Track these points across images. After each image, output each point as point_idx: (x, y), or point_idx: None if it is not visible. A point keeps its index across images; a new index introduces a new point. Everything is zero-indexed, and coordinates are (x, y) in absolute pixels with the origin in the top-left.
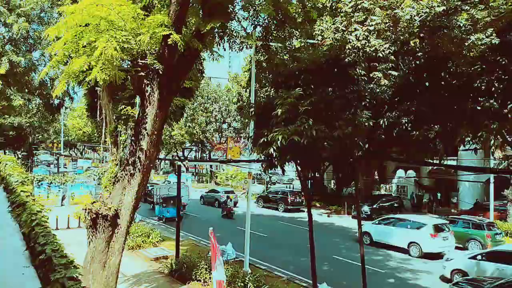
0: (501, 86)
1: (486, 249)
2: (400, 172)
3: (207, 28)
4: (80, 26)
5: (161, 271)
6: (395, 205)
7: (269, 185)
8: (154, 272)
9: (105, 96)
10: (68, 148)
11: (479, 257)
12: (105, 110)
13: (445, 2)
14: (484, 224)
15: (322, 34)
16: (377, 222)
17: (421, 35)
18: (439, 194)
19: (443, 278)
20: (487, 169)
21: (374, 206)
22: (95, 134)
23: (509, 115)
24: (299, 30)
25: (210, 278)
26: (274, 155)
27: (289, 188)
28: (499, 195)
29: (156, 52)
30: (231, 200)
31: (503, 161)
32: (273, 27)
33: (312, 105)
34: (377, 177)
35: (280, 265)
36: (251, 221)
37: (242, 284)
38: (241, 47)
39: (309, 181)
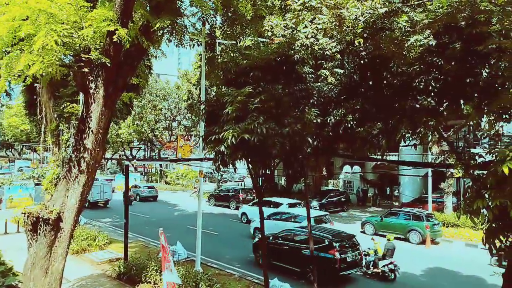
0: (438, 85)
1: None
2: (347, 168)
3: (156, 26)
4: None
5: (109, 274)
6: (342, 199)
7: (220, 183)
8: (101, 276)
9: (45, 93)
10: (5, 148)
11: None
12: (45, 107)
13: (387, 4)
14: (423, 216)
15: (272, 30)
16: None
17: (365, 35)
18: (388, 189)
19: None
20: (425, 163)
21: (323, 201)
22: (34, 133)
23: (445, 113)
24: (249, 27)
25: (160, 279)
26: (225, 153)
27: (241, 185)
28: (437, 188)
29: (101, 47)
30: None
31: (440, 156)
32: (223, 24)
33: (262, 102)
34: (325, 173)
35: (232, 263)
36: (202, 219)
37: (194, 284)
38: (191, 44)
39: (260, 178)
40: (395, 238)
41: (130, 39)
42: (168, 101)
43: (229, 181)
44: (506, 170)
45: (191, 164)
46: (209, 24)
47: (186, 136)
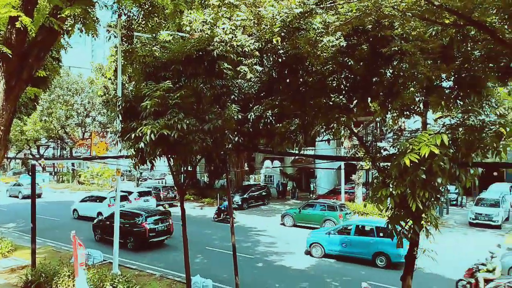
0: (348, 84)
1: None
2: (267, 163)
3: (65, 14)
4: None
5: (14, 283)
6: (263, 193)
7: (140, 182)
8: (5, 286)
9: None
10: None
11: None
12: None
13: (302, 4)
14: (337, 206)
15: (191, 25)
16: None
17: (282, 34)
18: (306, 182)
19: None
20: (338, 157)
21: (245, 196)
22: None
23: (355, 110)
24: (168, 21)
25: (73, 285)
26: (144, 150)
27: (162, 183)
28: (349, 180)
29: (2, 36)
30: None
31: (351, 150)
32: (139, 16)
33: (183, 98)
34: (246, 168)
35: (152, 262)
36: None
37: (111, 287)
38: (107, 36)
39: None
40: (312, 228)
41: (34, 28)
42: (81, 96)
43: (149, 179)
44: (407, 162)
45: (107, 163)
46: (125, 15)
47: (102, 133)
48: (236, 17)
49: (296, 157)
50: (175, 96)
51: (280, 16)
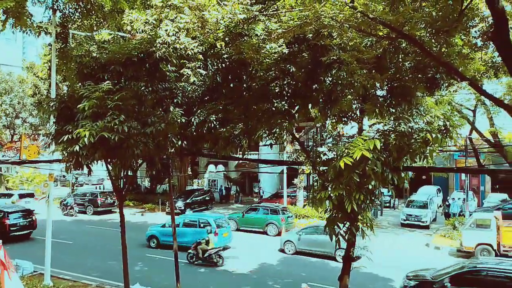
0: (290, 90)
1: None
2: (211, 167)
3: None
4: None
5: None
6: (207, 198)
7: (75, 187)
8: None
9: None
10: None
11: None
12: None
13: (246, 11)
14: (279, 209)
15: (132, 25)
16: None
17: (226, 39)
18: (257, 188)
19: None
20: (281, 161)
21: (188, 201)
22: None
23: (296, 115)
24: (107, 20)
25: None
26: (80, 154)
27: (100, 188)
28: (291, 184)
29: None
30: None
31: (293, 154)
32: (74, 14)
33: (124, 100)
34: (190, 172)
35: (89, 272)
36: (53, 228)
37: None
38: (37, 31)
39: (122, 179)
40: (255, 231)
41: None
42: (10, 96)
43: (86, 184)
44: (342, 164)
45: (38, 167)
46: (60, 12)
47: (33, 136)
48: (179, 19)
49: (240, 162)
50: (115, 98)
51: (224, 21)
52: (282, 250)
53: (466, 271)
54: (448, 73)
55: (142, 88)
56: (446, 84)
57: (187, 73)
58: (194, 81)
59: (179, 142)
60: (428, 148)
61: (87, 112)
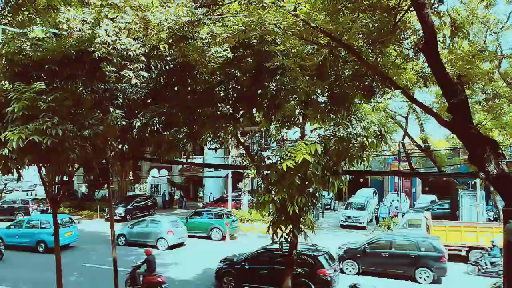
0: (235, 94)
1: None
2: (154, 171)
3: None
4: None
5: None
6: (149, 204)
7: (3, 194)
8: None
9: None
10: None
11: None
12: None
13: (190, 13)
14: (224, 214)
15: (68, 23)
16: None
17: (170, 41)
18: (202, 192)
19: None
20: (226, 165)
21: (129, 207)
22: None
23: (241, 120)
24: (40, 16)
25: None
26: (9, 158)
27: (32, 195)
28: (236, 188)
29: None
30: None
31: (237, 158)
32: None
33: (58, 101)
34: (131, 177)
35: (17, 285)
36: None
37: None
38: None
39: (56, 185)
40: (199, 237)
41: None
42: None
43: (16, 190)
44: (284, 167)
45: None
46: None
47: None
48: (120, 19)
49: (184, 166)
50: (49, 99)
51: (168, 23)
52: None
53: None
54: (383, 81)
55: (80, 89)
56: (382, 92)
57: (129, 75)
58: (136, 83)
59: (120, 146)
60: (364, 152)
61: (16, 114)
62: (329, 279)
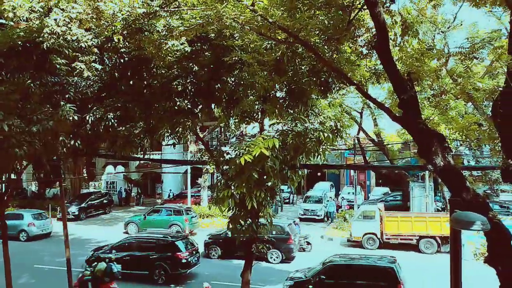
0: (193, 89)
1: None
2: (110, 168)
3: None
4: None
5: None
6: (105, 201)
7: None
8: None
9: None
10: None
11: None
12: None
13: (146, 5)
14: (183, 210)
15: (14, 11)
16: None
17: (125, 33)
18: (152, 187)
19: None
20: (185, 161)
21: (83, 205)
22: None
23: (200, 115)
24: None
25: None
26: None
27: None
28: (195, 183)
29: None
30: None
31: (196, 154)
32: None
33: (3, 95)
34: (85, 174)
35: None
36: None
37: None
38: None
39: (3, 184)
40: None
41: None
42: None
43: None
44: (242, 161)
45: None
46: None
47: None
48: (71, 9)
49: (142, 162)
50: None
51: (122, 14)
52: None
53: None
54: (339, 77)
55: (28, 82)
56: (337, 88)
57: (80, 67)
58: (89, 75)
59: (72, 142)
60: (321, 146)
61: None
62: (184, 261)
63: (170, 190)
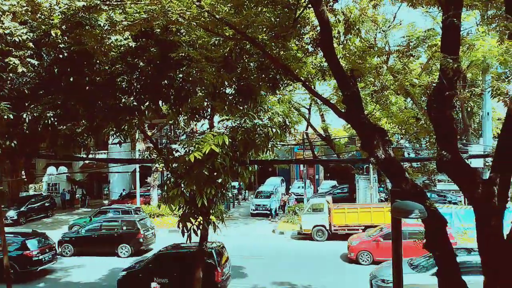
0: (139, 85)
1: None
2: (52, 169)
3: None
4: None
5: None
6: (47, 204)
7: None
8: None
9: None
10: None
11: None
12: None
13: None
14: (132, 210)
15: None
16: None
17: (64, 27)
18: (98, 188)
19: None
20: (132, 160)
21: (22, 209)
22: None
23: (147, 112)
24: None
25: None
26: None
27: None
28: (145, 183)
29: None
30: None
31: (145, 152)
32: None
33: None
34: (24, 176)
35: None
36: None
37: None
38: None
39: None
40: None
41: None
42: None
43: None
44: (192, 158)
45: None
46: None
47: None
48: (3, 1)
49: (87, 162)
50: None
51: (60, 7)
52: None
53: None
54: (286, 74)
55: None
56: (285, 84)
57: (14, 62)
58: (24, 71)
59: (7, 142)
60: (270, 142)
61: None
62: (35, 259)
63: (124, 189)
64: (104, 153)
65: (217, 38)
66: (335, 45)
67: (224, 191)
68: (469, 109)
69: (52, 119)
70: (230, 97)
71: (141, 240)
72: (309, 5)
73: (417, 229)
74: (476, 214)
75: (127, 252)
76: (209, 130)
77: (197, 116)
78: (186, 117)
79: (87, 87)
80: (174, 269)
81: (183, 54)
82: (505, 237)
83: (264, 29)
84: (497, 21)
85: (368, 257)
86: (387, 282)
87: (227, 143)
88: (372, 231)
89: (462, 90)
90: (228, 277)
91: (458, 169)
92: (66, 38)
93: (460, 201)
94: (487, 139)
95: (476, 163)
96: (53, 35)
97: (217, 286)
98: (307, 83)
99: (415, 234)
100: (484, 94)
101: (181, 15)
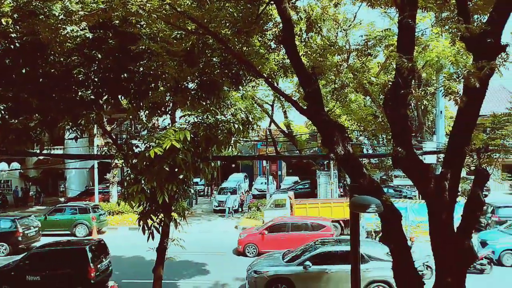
0: (97, 78)
1: None
2: (3, 165)
3: None
4: None
5: None
6: None
7: None
8: None
9: None
10: None
11: None
12: None
13: None
14: (90, 208)
15: None
16: None
17: (15, 16)
18: (53, 185)
19: None
20: (90, 155)
21: None
22: None
23: (105, 106)
24: None
25: None
26: None
27: None
28: (103, 179)
29: None
30: None
31: (103, 148)
32: None
33: None
34: None
35: None
36: None
37: None
38: None
39: None
40: (61, 234)
41: None
42: None
43: None
44: (152, 154)
45: None
46: None
47: None
48: None
49: (41, 157)
50: None
51: None
52: None
53: None
54: (249, 70)
55: None
56: (248, 80)
57: None
58: None
59: None
60: (232, 138)
61: None
62: None
63: (86, 186)
64: (60, 148)
65: (179, 32)
66: (297, 42)
67: (186, 187)
68: (423, 107)
69: (2, 112)
70: (192, 92)
71: (19, 238)
72: (272, 2)
73: (302, 221)
74: (428, 208)
75: (5, 250)
76: (170, 125)
77: (158, 111)
78: (147, 112)
79: (40, 79)
80: (46, 267)
81: (144, 47)
82: (455, 230)
83: (227, 24)
84: (450, 23)
85: (254, 249)
86: (258, 273)
87: (188, 138)
88: (261, 224)
89: (417, 89)
90: (107, 273)
91: (412, 165)
92: (18, 27)
93: (415, 196)
94: (440, 136)
95: (430, 159)
96: (4, 23)
97: (90, 282)
98: (269, 80)
99: (298, 227)
100: (437, 93)
101: (141, 6)
